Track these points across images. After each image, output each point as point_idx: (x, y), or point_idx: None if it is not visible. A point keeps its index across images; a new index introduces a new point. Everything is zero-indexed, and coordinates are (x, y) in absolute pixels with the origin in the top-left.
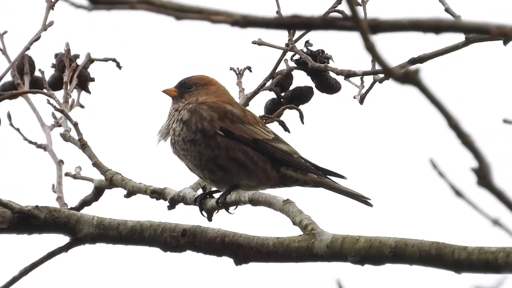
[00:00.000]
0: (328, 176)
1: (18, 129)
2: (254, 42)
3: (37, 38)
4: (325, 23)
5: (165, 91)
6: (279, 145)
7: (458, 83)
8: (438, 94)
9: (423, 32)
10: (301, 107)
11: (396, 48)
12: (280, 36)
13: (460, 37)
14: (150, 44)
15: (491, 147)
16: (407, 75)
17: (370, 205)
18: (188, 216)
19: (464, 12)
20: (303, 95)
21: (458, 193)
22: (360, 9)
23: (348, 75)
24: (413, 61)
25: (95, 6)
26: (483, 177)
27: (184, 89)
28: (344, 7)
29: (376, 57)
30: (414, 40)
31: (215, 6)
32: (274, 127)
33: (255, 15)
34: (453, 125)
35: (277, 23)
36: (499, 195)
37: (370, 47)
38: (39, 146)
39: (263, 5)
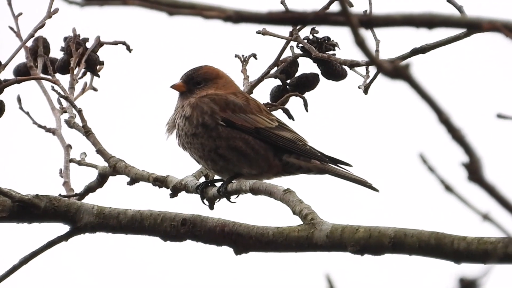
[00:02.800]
0: (334, 163)
1: (27, 113)
2: (258, 32)
3: (41, 25)
4: (317, 18)
5: (173, 87)
6: (282, 132)
7: (458, 74)
8: (428, 89)
9: (416, 27)
10: (307, 94)
11: (399, 38)
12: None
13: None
14: (155, 30)
15: (484, 142)
16: (397, 70)
17: (376, 189)
18: (190, 205)
19: (466, 3)
20: (308, 82)
21: (448, 188)
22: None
23: (351, 65)
24: (415, 51)
25: (87, 2)
26: (474, 172)
27: (193, 85)
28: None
29: (366, 52)
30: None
31: (208, 1)
32: (279, 114)
33: (248, 10)
34: (444, 120)
35: (270, 18)
36: (490, 190)
37: (360, 42)
38: (48, 130)
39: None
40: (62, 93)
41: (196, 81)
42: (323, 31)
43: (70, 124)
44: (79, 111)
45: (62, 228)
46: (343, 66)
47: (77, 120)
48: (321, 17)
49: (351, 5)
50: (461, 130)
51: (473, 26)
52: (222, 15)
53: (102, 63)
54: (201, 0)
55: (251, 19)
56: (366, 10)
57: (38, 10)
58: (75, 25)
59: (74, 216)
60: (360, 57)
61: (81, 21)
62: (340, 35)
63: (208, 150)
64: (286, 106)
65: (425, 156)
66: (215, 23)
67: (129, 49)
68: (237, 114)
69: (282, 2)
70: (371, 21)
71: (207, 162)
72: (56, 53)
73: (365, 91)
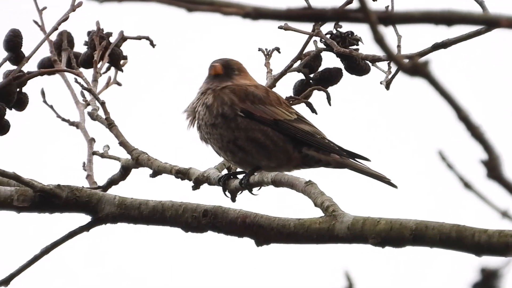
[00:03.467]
0: (352, 158)
1: (51, 106)
2: (280, 27)
3: (65, 18)
4: (336, 15)
5: (214, 66)
6: (301, 125)
7: (479, 69)
8: (448, 86)
9: (435, 24)
10: (329, 88)
11: (421, 33)
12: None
13: None
14: (178, 25)
15: (503, 139)
16: (416, 67)
17: (394, 186)
18: (212, 197)
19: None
20: (332, 76)
21: (467, 185)
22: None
23: (373, 60)
24: (437, 46)
25: None
26: (493, 169)
27: (231, 71)
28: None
29: (385, 49)
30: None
31: None
32: (301, 108)
33: (266, 7)
34: (463, 117)
35: (289, 15)
36: (509, 187)
37: (379, 39)
38: (72, 123)
39: None
40: (85, 85)
41: (231, 68)
42: (347, 25)
43: (93, 116)
44: (102, 103)
45: (83, 218)
46: (367, 61)
47: (100, 112)
48: (340, 14)
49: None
50: (480, 127)
51: (492, 23)
52: (241, 11)
53: (125, 58)
54: None
55: (270, 15)
56: (388, 6)
57: (62, 4)
58: (99, 19)
59: (96, 206)
60: (382, 52)
61: (105, 15)
62: (364, 30)
63: (227, 141)
64: (309, 100)
65: (444, 153)
66: (234, 20)
67: (152, 44)
68: (256, 105)
69: None
70: (390, 18)
71: (226, 154)
72: (80, 47)
73: (387, 87)
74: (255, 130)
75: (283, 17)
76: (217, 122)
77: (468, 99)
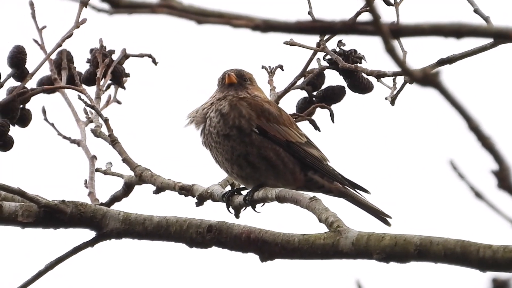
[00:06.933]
0: (353, 188)
1: (52, 124)
2: (285, 43)
3: (69, 35)
4: (346, 27)
5: (230, 75)
6: (310, 149)
7: (485, 84)
8: (458, 96)
9: (444, 36)
10: (332, 106)
11: (426, 49)
12: (312, 36)
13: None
14: (182, 41)
15: None
16: (427, 77)
17: (388, 224)
18: (215, 213)
19: (494, 13)
20: (335, 94)
21: (478, 195)
22: (392, 10)
23: (378, 75)
24: (442, 62)
25: (116, 10)
26: (503, 179)
27: (244, 81)
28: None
29: (396, 59)
30: (446, 42)
31: (236, 10)
32: (304, 125)
33: (276, 19)
34: (473, 127)
35: (298, 27)
36: None
37: (390, 50)
38: (73, 141)
39: (287, 9)
40: (88, 102)
41: (244, 78)
42: (350, 43)
43: (96, 133)
44: (106, 120)
45: (88, 234)
46: (370, 79)
47: (103, 129)
48: (349, 26)
49: (390, 4)
50: (490, 138)
51: (502, 36)
52: (251, 24)
53: (128, 75)
54: (228, 9)
55: (280, 28)
56: (394, 21)
57: (65, 20)
58: (102, 36)
59: (100, 222)
60: (387, 67)
61: (109, 31)
62: (367, 47)
63: (237, 155)
64: (312, 118)
65: (455, 163)
66: (243, 32)
67: (154, 62)
68: (270, 123)
69: (309, 13)
70: (400, 30)
71: (232, 166)
72: (81, 64)
73: (392, 102)
74: (267, 149)
75: (292, 29)
76: (232, 134)
77: (477, 111)
